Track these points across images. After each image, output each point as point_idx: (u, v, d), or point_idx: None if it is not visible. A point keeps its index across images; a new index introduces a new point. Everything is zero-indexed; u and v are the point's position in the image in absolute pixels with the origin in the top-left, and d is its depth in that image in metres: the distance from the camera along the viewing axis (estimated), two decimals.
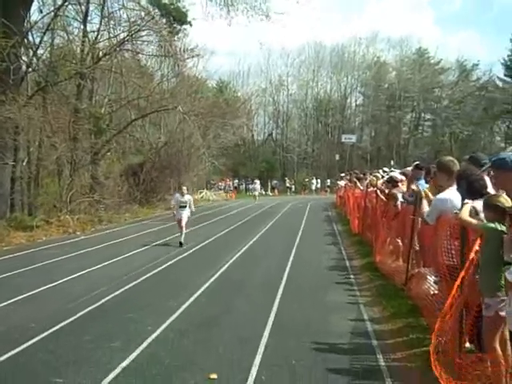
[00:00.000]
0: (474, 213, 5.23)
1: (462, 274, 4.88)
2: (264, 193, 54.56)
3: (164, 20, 26.19)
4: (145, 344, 6.68)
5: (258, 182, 48.01)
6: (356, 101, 73.71)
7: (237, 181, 59.08)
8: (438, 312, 5.75)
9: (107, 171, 28.74)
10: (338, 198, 33.38)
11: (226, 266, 12.57)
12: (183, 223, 16.27)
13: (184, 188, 17.43)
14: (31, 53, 23.98)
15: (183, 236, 16.10)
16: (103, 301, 8.94)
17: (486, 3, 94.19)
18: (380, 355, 6.36)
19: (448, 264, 5.81)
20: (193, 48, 33.31)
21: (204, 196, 42.67)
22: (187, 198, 16.68)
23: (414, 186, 8.86)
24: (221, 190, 50.28)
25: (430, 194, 7.86)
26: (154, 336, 7.03)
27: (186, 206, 16.47)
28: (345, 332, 7.25)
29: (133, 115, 31.21)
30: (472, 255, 4.89)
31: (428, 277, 7.55)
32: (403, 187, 11.35)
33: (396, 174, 13.27)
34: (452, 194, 6.45)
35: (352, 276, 11.26)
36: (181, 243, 15.77)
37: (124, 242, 17.22)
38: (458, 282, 4.82)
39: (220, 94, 55.97)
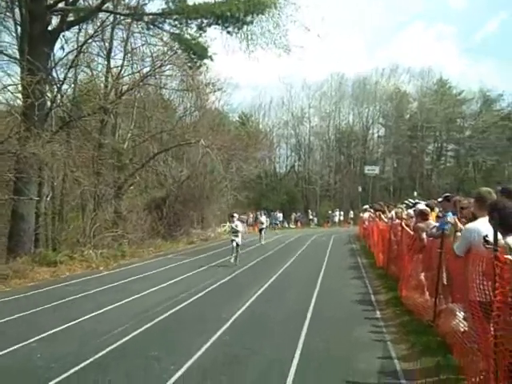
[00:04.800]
0: (508, 250, 5.06)
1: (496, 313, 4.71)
2: (287, 225, 54.37)
3: (185, 54, 26.39)
4: None
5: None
6: (378, 132, 73.63)
7: (259, 213, 58.85)
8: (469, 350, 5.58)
9: (130, 205, 28.82)
10: (362, 231, 33.12)
11: (250, 301, 12.41)
12: None
13: None
14: (56, 89, 24.28)
15: None
16: (125, 339, 8.80)
17: (510, 34, 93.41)
18: None
19: (480, 301, 5.61)
20: (214, 82, 33.65)
21: (226, 229, 42.50)
22: None
23: (449, 219, 8.71)
24: (243, 222, 49.98)
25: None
26: (177, 376, 6.87)
27: None
28: (373, 371, 7.04)
29: (155, 149, 31.42)
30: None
31: (457, 313, 7.34)
32: (431, 220, 11.18)
33: (422, 206, 13.09)
34: (480, 225, 6.29)
35: (378, 311, 11.05)
36: None
37: (147, 277, 17.10)
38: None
39: (242, 127, 56.28)
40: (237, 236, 19.99)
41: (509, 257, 4.93)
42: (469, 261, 6.35)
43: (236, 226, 20.54)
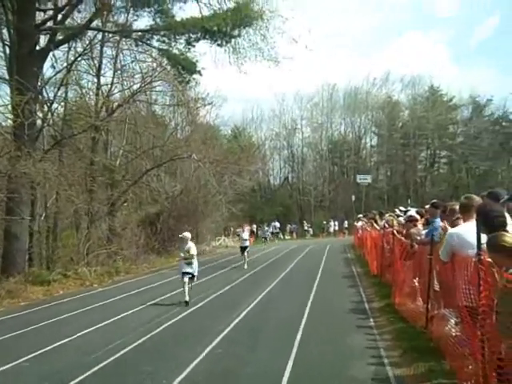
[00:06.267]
0: None
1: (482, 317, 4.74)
2: (282, 237, 54.21)
3: (174, 70, 26.46)
4: None
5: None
6: (371, 141, 73.69)
7: (254, 226, 58.53)
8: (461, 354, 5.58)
9: (124, 222, 28.72)
10: (356, 240, 33.14)
11: (246, 311, 12.49)
12: None
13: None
14: (46, 108, 24.27)
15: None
16: (118, 355, 8.78)
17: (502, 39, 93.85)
18: None
19: (467, 305, 5.63)
20: (204, 97, 33.72)
21: (222, 243, 42.50)
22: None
23: (438, 224, 8.77)
24: (239, 236, 49.77)
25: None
26: None
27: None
28: (366, 378, 7.10)
29: (148, 165, 31.39)
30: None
31: (449, 318, 7.35)
32: (420, 227, 11.24)
33: (413, 212, 13.17)
34: (462, 229, 6.35)
35: (371, 319, 11.10)
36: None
37: (141, 292, 17.06)
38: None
39: (235, 141, 56.28)
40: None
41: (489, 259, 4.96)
42: (455, 266, 6.39)
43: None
